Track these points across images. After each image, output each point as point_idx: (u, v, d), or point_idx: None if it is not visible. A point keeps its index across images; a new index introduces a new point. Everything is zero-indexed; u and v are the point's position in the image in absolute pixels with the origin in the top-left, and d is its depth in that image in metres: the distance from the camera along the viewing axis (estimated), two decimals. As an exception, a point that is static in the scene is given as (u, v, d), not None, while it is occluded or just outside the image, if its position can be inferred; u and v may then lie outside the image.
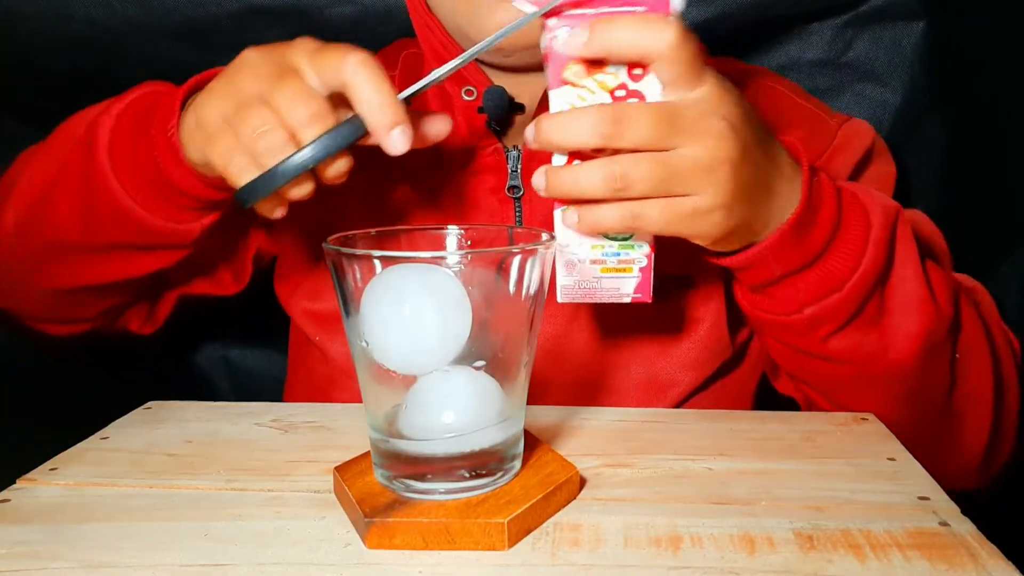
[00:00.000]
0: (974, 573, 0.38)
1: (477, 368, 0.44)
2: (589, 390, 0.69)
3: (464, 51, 0.65)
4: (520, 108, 0.68)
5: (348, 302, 0.43)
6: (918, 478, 0.49)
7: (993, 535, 0.41)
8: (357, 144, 0.50)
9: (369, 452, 0.47)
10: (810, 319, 0.55)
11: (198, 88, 0.56)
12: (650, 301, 0.53)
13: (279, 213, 0.54)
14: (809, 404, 0.65)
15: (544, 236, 0.45)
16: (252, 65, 0.52)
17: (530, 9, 0.49)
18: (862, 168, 0.70)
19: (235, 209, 0.53)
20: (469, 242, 0.50)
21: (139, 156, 0.58)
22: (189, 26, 0.82)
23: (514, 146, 0.68)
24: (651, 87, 0.48)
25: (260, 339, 1.03)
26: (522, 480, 0.45)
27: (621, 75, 0.48)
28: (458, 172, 0.69)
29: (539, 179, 0.50)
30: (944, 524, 0.43)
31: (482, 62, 0.67)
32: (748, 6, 0.82)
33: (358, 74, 0.49)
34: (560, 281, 0.53)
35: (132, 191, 0.59)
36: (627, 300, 0.54)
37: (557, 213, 0.52)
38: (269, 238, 0.76)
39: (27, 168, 0.67)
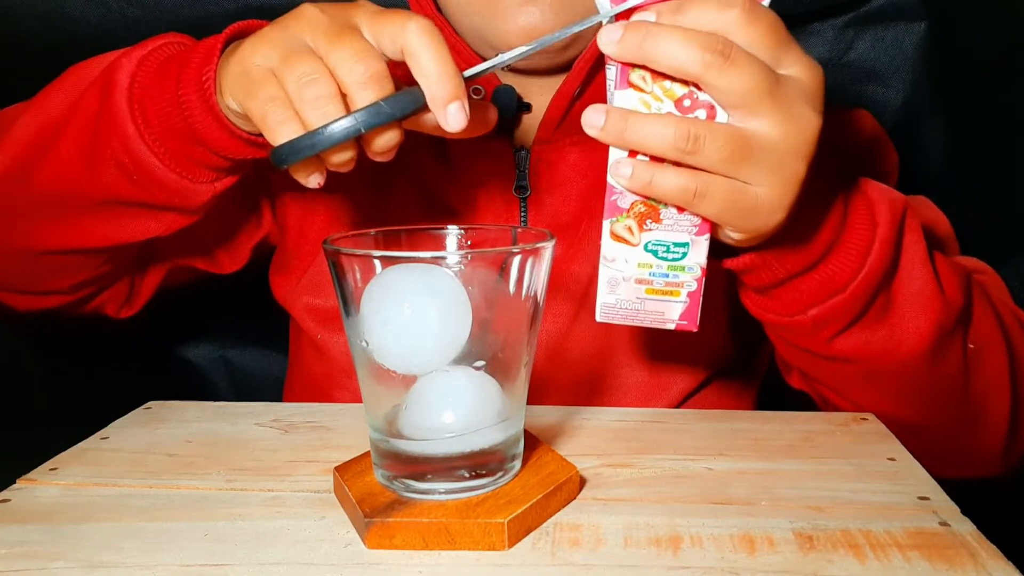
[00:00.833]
0: (974, 573, 0.38)
1: (477, 368, 0.44)
2: (590, 390, 0.69)
3: (473, 51, 0.66)
4: (527, 108, 0.68)
5: (348, 302, 0.43)
6: (918, 478, 0.49)
7: (993, 535, 0.41)
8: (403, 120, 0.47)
9: (369, 452, 0.47)
10: (814, 320, 0.55)
11: (238, 37, 0.53)
12: (696, 330, 0.50)
13: (315, 181, 0.50)
14: (824, 401, 0.65)
15: (546, 236, 0.45)
16: (310, 19, 0.48)
17: (607, 8, 0.45)
18: (864, 157, 0.70)
19: (270, 169, 0.49)
20: (469, 242, 0.50)
21: (164, 102, 0.54)
22: (187, 26, 0.82)
23: (521, 146, 0.68)
24: None
25: (259, 339, 1.03)
26: (522, 480, 0.45)
27: (690, 84, 0.45)
28: (465, 171, 0.69)
29: (596, 116, 0.45)
30: (944, 524, 0.43)
31: None
32: (749, 6, 0.82)
33: (421, 40, 0.45)
34: (601, 299, 0.50)
35: (149, 139, 0.55)
36: (671, 327, 0.50)
37: (606, 224, 0.48)
38: (276, 226, 0.75)
39: (23, 115, 0.62)
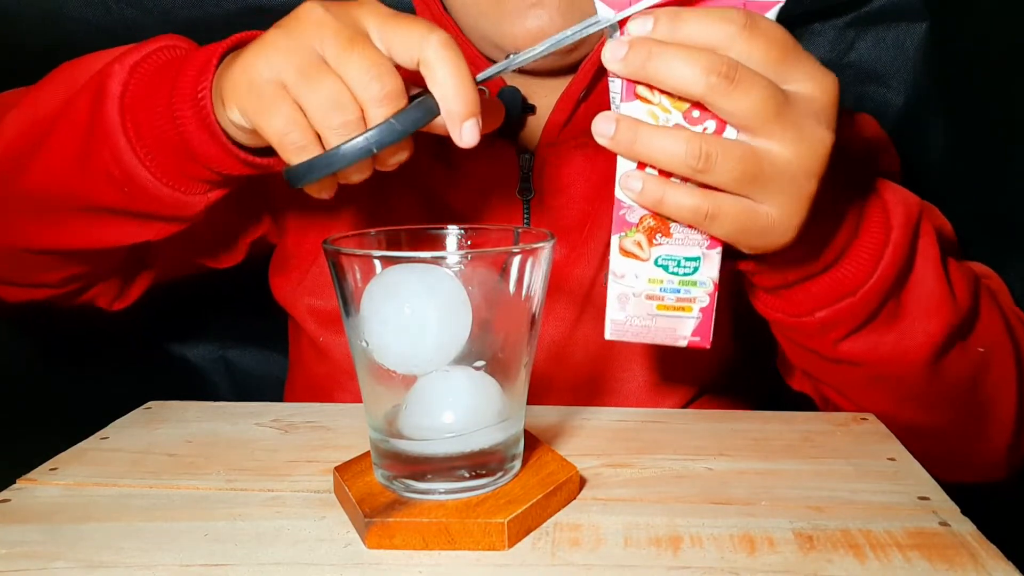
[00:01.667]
0: (974, 573, 0.38)
1: (477, 368, 0.44)
2: (591, 393, 0.69)
3: (478, 52, 0.65)
4: (532, 109, 0.67)
5: (348, 302, 0.43)
6: (918, 478, 0.49)
7: (993, 535, 0.41)
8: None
9: (369, 452, 0.47)
10: (822, 322, 0.54)
11: (238, 47, 0.51)
12: (709, 347, 0.49)
13: (327, 194, 0.50)
14: (825, 402, 0.64)
15: (546, 236, 0.45)
16: (316, 22, 0.45)
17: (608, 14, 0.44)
18: (868, 162, 0.69)
19: (286, 185, 0.48)
20: (469, 242, 0.50)
21: (156, 115, 0.52)
22: (186, 27, 0.82)
23: (526, 148, 0.68)
24: None
25: (259, 339, 1.03)
26: (522, 480, 0.45)
27: None
28: (467, 174, 0.68)
29: (606, 125, 0.44)
30: (944, 524, 0.43)
31: (494, 62, 0.66)
32: (749, 6, 0.83)
33: (440, 55, 0.44)
34: (610, 315, 0.49)
35: (141, 151, 0.53)
36: (683, 343, 0.49)
37: (615, 239, 0.47)
38: (275, 226, 0.74)
39: (15, 108, 0.60)
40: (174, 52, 0.54)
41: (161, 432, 0.57)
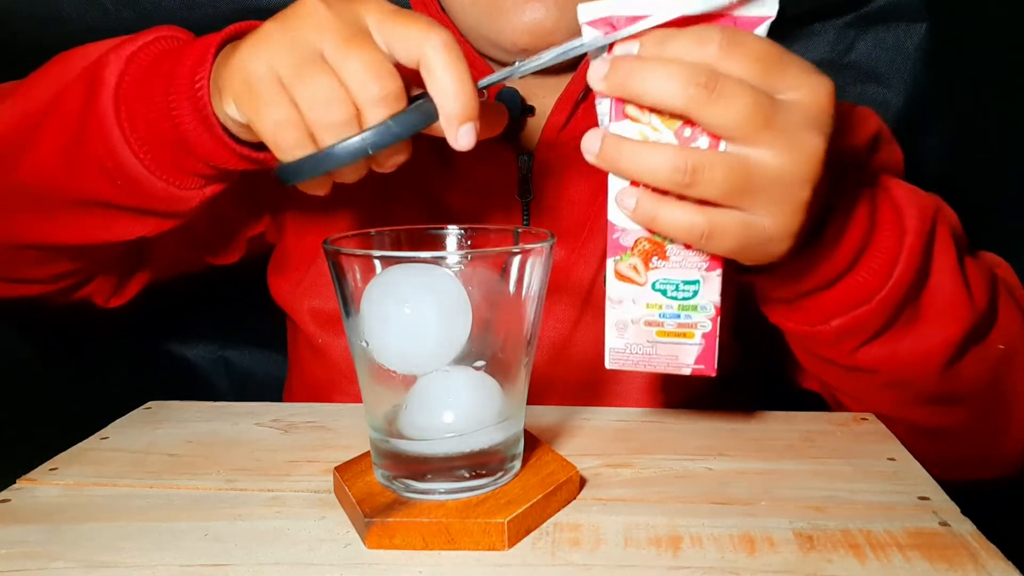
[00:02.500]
0: (974, 573, 0.38)
1: (477, 368, 0.44)
2: (593, 394, 0.69)
3: (476, 51, 0.65)
4: (531, 111, 0.67)
5: (348, 302, 0.43)
6: (918, 478, 0.49)
7: (993, 535, 0.41)
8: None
9: (369, 452, 0.47)
10: (837, 331, 0.53)
11: (236, 38, 0.50)
12: (714, 375, 0.47)
13: (321, 192, 0.49)
14: (838, 404, 0.64)
15: (546, 236, 0.45)
16: (315, 15, 0.44)
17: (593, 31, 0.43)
18: (869, 154, 0.69)
19: (274, 183, 0.47)
20: (469, 242, 0.50)
21: (152, 106, 0.51)
22: (185, 27, 0.83)
23: (525, 149, 0.68)
24: None
25: (259, 339, 1.03)
26: (522, 480, 0.45)
27: None
28: (466, 175, 0.68)
29: (593, 142, 0.44)
30: (944, 524, 0.43)
31: (495, 61, 0.66)
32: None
33: (440, 57, 0.43)
34: (609, 343, 0.48)
35: (136, 144, 0.52)
36: (687, 372, 0.47)
37: (610, 263, 0.46)
38: (274, 225, 0.74)
39: (6, 100, 0.58)
40: (171, 43, 0.53)
41: (161, 432, 0.57)
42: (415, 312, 0.42)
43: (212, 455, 0.53)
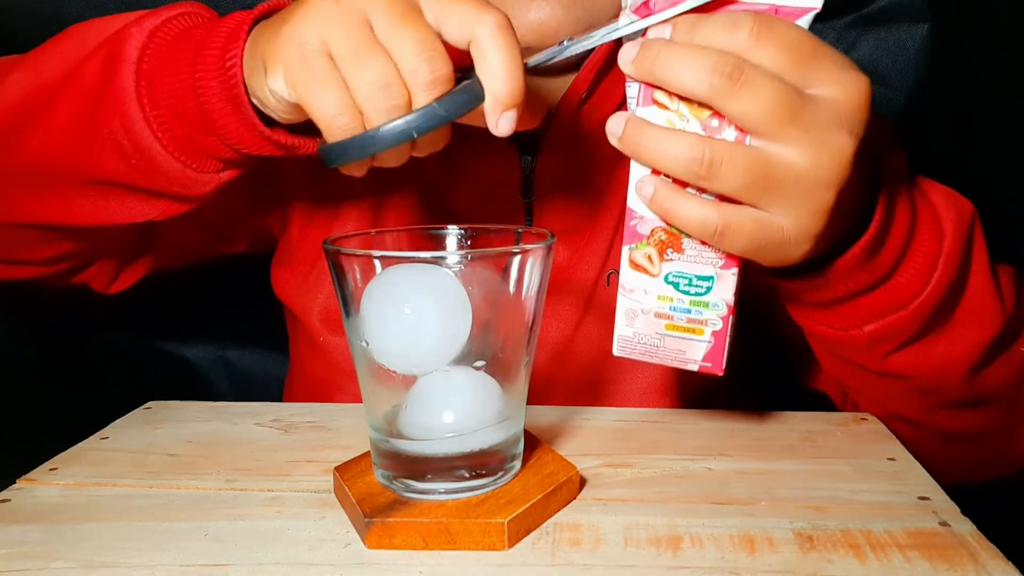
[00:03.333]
0: (974, 573, 0.38)
1: (477, 368, 0.44)
2: (594, 395, 0.69)
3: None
4: None
5: (348, 302, 0.43)
6: (918, 478, 0.49)
7: (993, 535, 0.41)
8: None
9: (369, 452, 0.47)
10: (870, 336, 0.51)
11: (266, 17, 0.48)
12: (721, 374, 0.46)
13: (360, 173, 0.48)
14: (846, 406, 0.64)
15: (546, 236, 0.44)
16: None
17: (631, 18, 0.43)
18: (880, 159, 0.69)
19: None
20: (469, 242, 0.50)
21: (176, 84, 0.49)
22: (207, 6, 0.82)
23: (527, 149, 0.68)
24: None
25: (259, 339, 1.03)
26: (522, 480, 0.45)
27: None
28: (469, 176, 0.68)
29: (617, 124, 0.43)
30: (944, 524, 0.43)
31: None
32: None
33: (495, 40, 0.42)
34: (618, 331, 0.47)
35: (155, 123, 0.50)
36: (693, 368, 0.46)
37: (625, 251, 0.45)
38: (281, 218, 0.73)
39: (12, 73, 0.56)
40: (195, 19, 0.52)
41: (161, 432, 0.57)
42: (415, 312, 0.42)
43: (212, 455, 0.53)
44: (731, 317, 0.45)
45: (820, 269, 0.48)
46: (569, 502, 0.46)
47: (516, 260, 0.42)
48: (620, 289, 0.46)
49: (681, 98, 0.42)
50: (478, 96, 0.43)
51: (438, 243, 0.50)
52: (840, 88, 0.41)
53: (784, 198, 0.41)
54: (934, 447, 0.58)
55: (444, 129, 0.46)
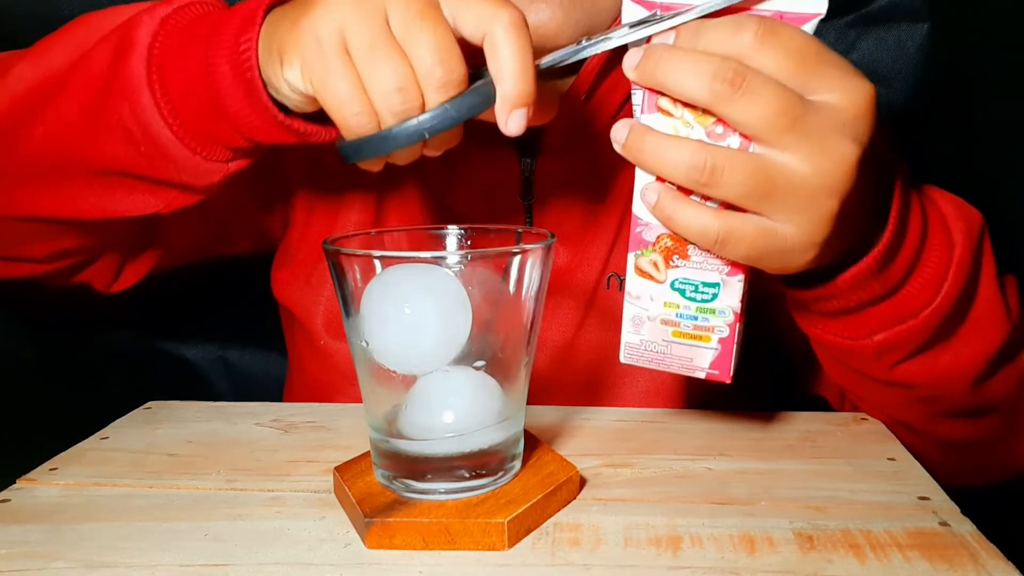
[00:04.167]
0: (974, 573, 0.38)
1: (477, 368, 0.44)
2: (596, 397, 0.69)
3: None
4: None
5: (348, 302, 0.43)
6: (918, 478, 0.49)
7: (993, 535, 0.41)
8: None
9: (369, 452, 0.47)
10: (879, 345, 0.51)
11: (281, 3, 0.48)
12: (729, 381, 0.46)
13: (376, 169, 0.48)
14: (853, 409, 0.63)
15: (546, 236, 0.44)
16: None
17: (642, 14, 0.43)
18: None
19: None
20: (469, 242, 0.50)
21: (189, 70, 0.49)
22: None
23: (527, 151, 0.68)
24: None
25: (259, 339, 1.03)
26: (522, 480, 0.45)
27: None
28: (469, 178, 0.68)
29: (620, 131, 0.43)
30: (944, 524, 0.43)
31: None
32: (750, 6, 0.83)
33: (509, 37, 0.42)
34: (625, 338, 0.47)
35: (166, 109, 0.49)
36: (700, 375, 0.46)
37: (631, 258, 0.45)
38: (283, 217, 0.72)
39: (18, 64, 0.55)
40: (207, 7, 0.51)
41: (161, 432, 0.57)
42: (415, 312, 0.42)
43: (212, 455, 0.53)
44: (738, 324, 0.45)
45: (832, 278, 0.48)
46: (569, 502, 0.46)
47: (516, 260, 0.42)
48: (626, 296, 0.46)
49: (685, 105, 0.42)
50: (490, 98, 0.43)
51: (438, 243, 0.50)
52: (844, 94, 0.40)
53: (786, 205, 0.41)
54: (935, 453, 0.58)
55: (456, 129, 0.46)
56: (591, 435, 0.56)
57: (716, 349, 0.45)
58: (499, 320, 0.44)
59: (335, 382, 0.71)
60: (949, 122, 0.86)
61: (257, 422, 0.59)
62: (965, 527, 0.42)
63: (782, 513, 0.44)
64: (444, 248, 0.49)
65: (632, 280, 0.46)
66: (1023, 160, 0.77)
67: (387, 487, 0.45)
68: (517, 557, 0.41)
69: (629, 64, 0.42)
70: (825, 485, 0.48)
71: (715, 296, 0.45)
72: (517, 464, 0.46)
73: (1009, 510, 0.63)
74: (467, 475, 0.44)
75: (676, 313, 0.45)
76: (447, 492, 0.43)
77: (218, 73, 0.47)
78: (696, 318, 0.45)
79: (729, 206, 0.42)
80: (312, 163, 0.70)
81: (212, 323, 1.01)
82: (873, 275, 0.48)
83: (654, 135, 0.42)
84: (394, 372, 0.43)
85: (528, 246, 0.43)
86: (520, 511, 0.42)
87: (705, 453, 0.52)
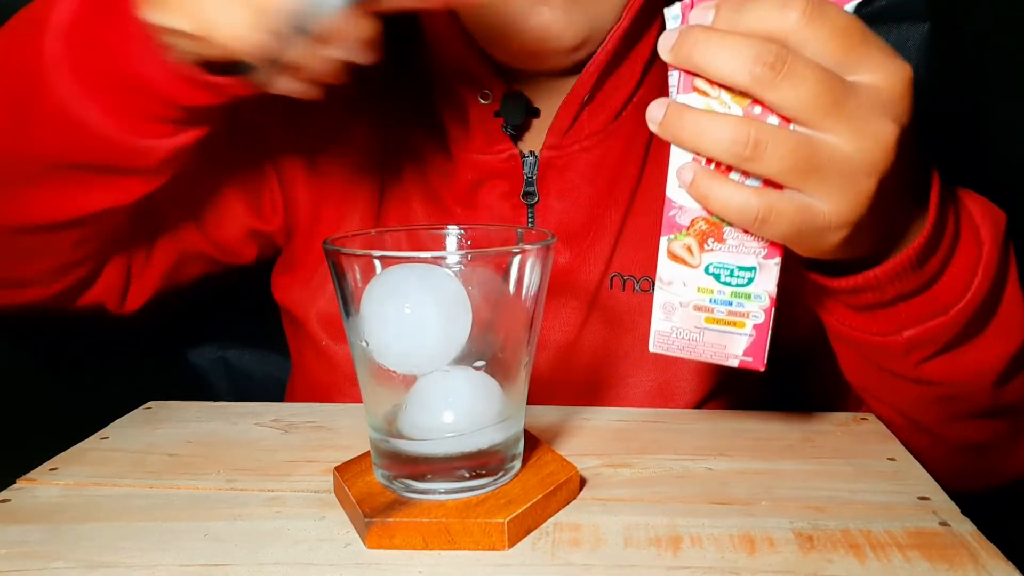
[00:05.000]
0: (974, 573, 0.38)
1: (477, 368, 0.44)
2: (597, 398, 0.69)
3: (488, 65, 0.64)
4: (536, 113, 0.67)
5: (348, 302, 0.43)
6: (918, 478, 0.49)
7: (993, 535, 0.41)
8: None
9: (369, 452, 0.47)
10: (909, 341, 0.51)
11: None
12: (763, 369, 0.44)
13: (284, 88, 0.47)
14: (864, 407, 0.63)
15: (547, 235, 0.44)
16: None
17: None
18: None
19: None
20: (470, 242, 0.50)
21: (100, 39, 0.47)
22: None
23: (530, 152, 0.68)
24: None
25: (259, 339, 1.03)
26: (522, 480, 0.45)
27: None
28: (471, 177, 0.68)
29: (657, 111, 0.42)
30: (944, 524, 0.43)
31: (510, 68, 0.65)
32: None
33: None
34: (655, 326, 0.46)
35: (86, 87, 0.48)
36: (734, 363, 0.45)
37: (663, 242, 0.44)
38: (284, 227, 0.72)
39: None
40: None
41: (161, 432, 0.57)
42: (415, 312, 0.42)
43: (212, 455, 0.53)
44: (773, 309, 0.44)
45: (870, 267, 0.48)
46: (569, 502, 0.46)
47: (516, 260, 0.42)
48: (657, 282, 0.45)
49: (722, 85, 0.41)
50: None
51: (438, 243, 0.50)
52: (884, 75, 0.41)
53: (827, 183, 0.41)
54: (946, 457, 0.58)
55: (372, 20, 0.44)
56: (591, 435, 0.56)
57: (751, 335, 0.44)
58: (499, 320, 0.44)
59: (337, 383, 0.71)
60: (949, 122, 0.86)
61: (257, 422, 0.59)
62: (965, 527, 0.42)
63: (782, 513, 0.44)
64: (444, 248, 0.49)
65: (664, 265, 0.44)
66: (1023, 160, 0.77)
67: (387, 487, 0.45)
68: (517, 557, 0.41)
69: (664, 46, 0.42)
70: (825, 485, 0.48)
71: (751, 280, 0.44)
72: (517, 464, 0.46)
73: (1009, 510, 0.63)
74: (467, 475, 0.44)
75: (710, 299, 0.44)
76: (447, 492, 0.43)
77: (125, 39, 0.46)
78: (731, 303, 0.44)
79: (766, 184, 0.42)
80: (310, 168, 0.70)
81: (212, 323, 1.01)
82: (913, 267, 0.48)
83: (693, 112, 0.41)
84: (394, 372, 0.43)
85: (528, 246, 0.43)
86: (520, 511, 0.42)
87: (705, 453, 0.52)
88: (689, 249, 0.44)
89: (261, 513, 0.45)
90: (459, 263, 0.42)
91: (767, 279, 0.44)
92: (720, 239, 0.44)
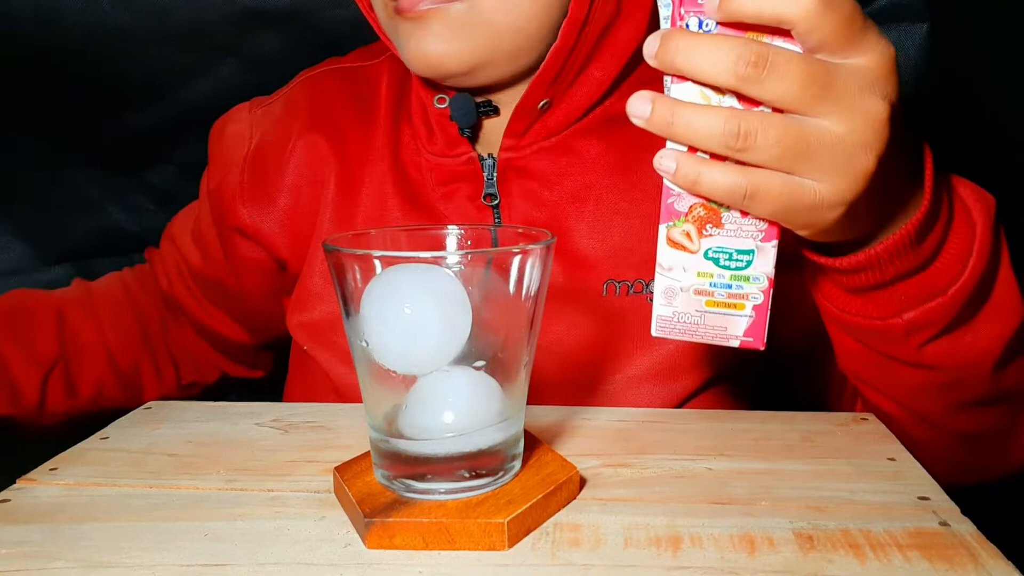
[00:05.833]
0: (974, 573, 0.38)
1: (477, 368, 0.44)
2: (594, 399, 0.69)
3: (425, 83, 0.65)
4: (494, 111, 0.67)
5: (348, 302, 0.43)
6: (918, 478, 0.49)
7: (993, 535, 0.41)
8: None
9: (369, 452, 0.47)
10: (909, 323, 0.52)
11: None
12: (763, 348, 0.46)
13: None
14: (865, 403, 0.63)
15: (547, 235, 0.44)
16: None
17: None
18: None
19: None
20: (469, 242, 0.50)
21: None
22: (183, 29, 0.82)
23: (488, 154, 0.68)
24: None
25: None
26: (522, 480, 0.45)
27: None
28: (433, 181, 0.68)
29: (642, 104, 0.42)
30: (944, 524, 0.43)
31: (439, 87, 0.66)
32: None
33: None
34: (657, 311, 0.47)
35: None
36: (735, 344, 0.46)
37: (662, 229, 0.45)
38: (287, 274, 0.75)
39: None
40: None
41: (161, 432, 0.57)
42: (415, 312, 0.42)
43: (212, 455, 0.53)
44: (771, 290, 0.45)
45: (870, 245, 0.48)
46: (569, 502, 0.46)
47: (516, 260, 0.42)
48: (658, 269, 0.46)
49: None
50: None
51: (437, 243, 0.50)
52: (873, 54, 0.42)
53: (821, 164, 0.42)
54: (941, 449, 0.58)
55: None
56: (591, 435, 0.56)
57: (750, 316, 0.46)
58: (499, 320, 0.44)
59: (323, 390, 0.71)
60: (948, 122, 0.86)
61: (257, 422, 0.59)
62: (965, 527, 0.42)
63: (782, 513, 0.44)
64: (444, 248, 0.49)
65: (663, 252, 0.45)
66: (1022, 160, 0.77)
67: (387, 487, 0.45)
68: (517, 557, 0.41)
69: (649, 51, 0.42)
70: (825, 485, 0.48)
71: (749, 263, 0.45)
72: (517, 464, 0.46)
73: (1009, 510, 0.63)
74: (467, 475, 0.44)
75: (710, 283, 0.45)
76: (447, 492, 0.43)
77: None
78: (730, 286, 0.45)
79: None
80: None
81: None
82: (912, 244, 0.48)
83: (682, 106, 0.42)
84: (394, 372, 0.43)
85: (529, 246, 0.43)
86: (520, 511, 0.42)
87: (705, 453, 0.52)
88: (688, 235, 0.45)
89: (261, 513, 0.45)
90: (459, 263, 0.42)
91: (765, 261, 0.45)
92: (718, 224, 0.45)
